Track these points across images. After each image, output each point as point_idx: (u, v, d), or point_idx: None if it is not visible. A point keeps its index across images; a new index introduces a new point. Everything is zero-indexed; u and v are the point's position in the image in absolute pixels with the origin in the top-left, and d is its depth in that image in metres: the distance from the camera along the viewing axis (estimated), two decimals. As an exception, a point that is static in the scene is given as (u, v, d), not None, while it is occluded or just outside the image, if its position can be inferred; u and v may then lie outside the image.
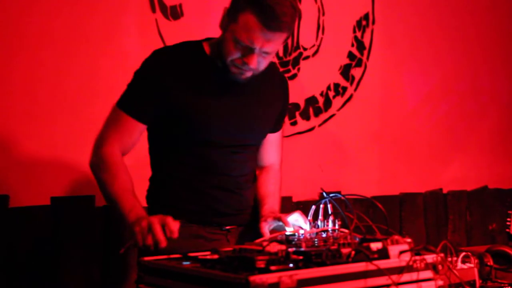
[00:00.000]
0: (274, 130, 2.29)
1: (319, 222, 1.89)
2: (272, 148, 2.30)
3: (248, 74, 2.05)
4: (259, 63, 2.02)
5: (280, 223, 1.99)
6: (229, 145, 2.12)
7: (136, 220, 1.86)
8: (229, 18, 2.01)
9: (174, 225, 1.81)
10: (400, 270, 1.56)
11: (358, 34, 3.64)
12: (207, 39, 2.16)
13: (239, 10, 1.96)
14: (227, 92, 2.10)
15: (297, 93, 3.41)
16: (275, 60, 3.31)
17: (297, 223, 1.97)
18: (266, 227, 2.01)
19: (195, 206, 2.11)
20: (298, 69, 3.43)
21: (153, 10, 3.00)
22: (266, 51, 1.99)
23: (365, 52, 3.67)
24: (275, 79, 2.27)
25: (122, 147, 2.07)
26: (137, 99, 2.07)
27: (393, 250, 1.58)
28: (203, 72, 2.09)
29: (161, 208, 2.08)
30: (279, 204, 2.25)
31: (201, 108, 2.06)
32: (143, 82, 2.08)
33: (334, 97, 3.56)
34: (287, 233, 1.84)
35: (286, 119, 3.38)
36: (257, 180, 2.28)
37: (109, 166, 2.02)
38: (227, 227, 2.14)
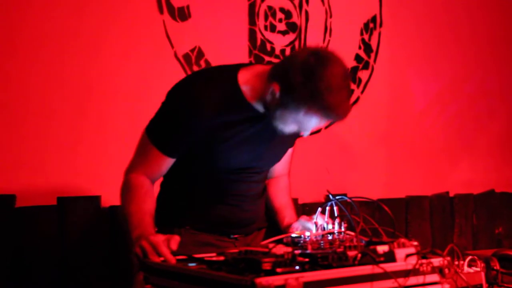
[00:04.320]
0: (290, 146, 2.30)
1: (325, 225, 1.89)
2: (284, 161, 2.30)
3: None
4: None
5: (306, 225, 2.01)
6: (247, 172, 2.11)
7: (136, 238, 1.85)
8: (285, 102, 1.89)
9: (166, 251, 1.75)
10: (406, 274, 1.56)
11: (366, 37, 3.64)
12: (243, 66, 2.05)
13: (299, 104, 1.87)
14: (252, 129, 2.03)
15: (304, 95, 3.41)
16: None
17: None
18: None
19: (204, 217, 2.11)
20: (305, 71, 3.42)
21: (161, 11, 3.00)
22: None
23: (372, 55, 3.66)
24: None
25: (150, 176, 2.05)
26: (167, 136, 2.01)
27: (400, 253, 1.58)
28: (231, 109, 1.99)
29: (169, 215, 2.09)
30: (295, 212, 2.27)
31: (227, 146, 2.02)
32: (172, 119, 2.00)
33: (341, 99, 3.55)
34: (293, 235, 1.84)
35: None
36: (269, 190, 2.30)
37: (129, 190, 2.01)
38: (235, 236, 2.15)
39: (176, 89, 2.03)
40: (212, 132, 1.98)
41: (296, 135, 2.17)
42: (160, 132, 2.02)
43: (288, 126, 1.95)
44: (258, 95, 1.98)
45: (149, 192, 2.03)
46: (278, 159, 2.23)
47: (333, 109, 1.87)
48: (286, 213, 2.24)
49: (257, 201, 2.21)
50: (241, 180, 2.11)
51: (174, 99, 2.01)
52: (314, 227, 1.96)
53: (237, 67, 2.04)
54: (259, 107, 2.00)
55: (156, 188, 2.20)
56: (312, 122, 1.92)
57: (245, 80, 2.00)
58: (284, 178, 2.35)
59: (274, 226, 2.24)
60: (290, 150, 2.30)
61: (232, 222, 2.14)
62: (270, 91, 1.91)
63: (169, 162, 2.05)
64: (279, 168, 2.31)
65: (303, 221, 2.05)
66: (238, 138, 2.02)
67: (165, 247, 1.74)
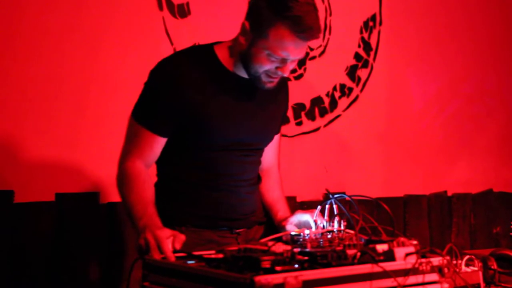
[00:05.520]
0: (277, 132, 2.30)
1: (324, 223, 1.89)
2: (272, 150, 2.30)
3: (276, 80, 2.06)
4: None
5: (302, 219, 2.02)
6: (239, 149, 2.11)
7: (142, 229, 1.84)
8: (255, 33, 1.98)
9: (168, 249, 1.74)
10: (405, 273, 1.56)
11: (365, 35, 3.64)
12: (217, 43, 2.14)
13: (267, 25, 1.95)
14: (238, 97, 2.09)
15: (303, 93, 3.41)
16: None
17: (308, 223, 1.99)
18: (291, 227, 2.04)
19: (203, 211, 2.11)
20: (305, 69, 3.42)
21: (160, 8, 3.00)
22: (297, 57, 2.02)
23: (372, 53, 3.66)
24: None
25: (144, 160, 2.06)
26: (154, 113, 2.04)
27: (399, 252, 1.58)
28: (213, 79, 2.07)
29: (168, 213, 2.08)
30: (287, 206, 2.27)
31: (213, 116, 2.05)
32: (156, 95, 2.05)
33: (340, 97, 3.56)
34: (293, 233, 1.84)
35: (292, 119, 3.38)
36: (261, 185, 2.29)
37: (128, 180, 2.02)
38: (237, 230, 2.15)
39: (155, 67, 2.09)
40: (194, 100, 2.02)
41: (282, 107, 2.25)
42: (146, 111, 2.06)
43: (264, 66, 1.99)
44: (234, 58, 2.07)
45: (148, 181, 2.04)
46: (267, 134, 2.22)
47: (302, 18, 1.92)
48: (279, 207, 2.24)
49: (253, 189, 2.20)
50: (234, 159, 2.11)
51: (154, 75, 2.08)
52: (312, 222, 1.96)
53: (213, 43, 2.14)
54: (238, 73, 2.07)
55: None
56: (285, 45, 1.94)
57: (221, 49, 2.10)
58: (274, 171, 2.33)
59: (270, 221, 2.24)
60: (277, 138, 2.30)
61: (229, 210, 2.12)
62: (242, 31, 2.01)
63: (160, 141, 2.06)
64: (268, 157, 2.29)
65: (299, 215, 2.06)
66: (221, 105, 2.05)
67: (168, 244, 1.74)
